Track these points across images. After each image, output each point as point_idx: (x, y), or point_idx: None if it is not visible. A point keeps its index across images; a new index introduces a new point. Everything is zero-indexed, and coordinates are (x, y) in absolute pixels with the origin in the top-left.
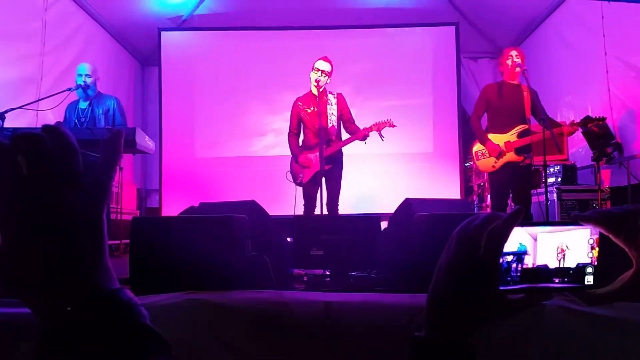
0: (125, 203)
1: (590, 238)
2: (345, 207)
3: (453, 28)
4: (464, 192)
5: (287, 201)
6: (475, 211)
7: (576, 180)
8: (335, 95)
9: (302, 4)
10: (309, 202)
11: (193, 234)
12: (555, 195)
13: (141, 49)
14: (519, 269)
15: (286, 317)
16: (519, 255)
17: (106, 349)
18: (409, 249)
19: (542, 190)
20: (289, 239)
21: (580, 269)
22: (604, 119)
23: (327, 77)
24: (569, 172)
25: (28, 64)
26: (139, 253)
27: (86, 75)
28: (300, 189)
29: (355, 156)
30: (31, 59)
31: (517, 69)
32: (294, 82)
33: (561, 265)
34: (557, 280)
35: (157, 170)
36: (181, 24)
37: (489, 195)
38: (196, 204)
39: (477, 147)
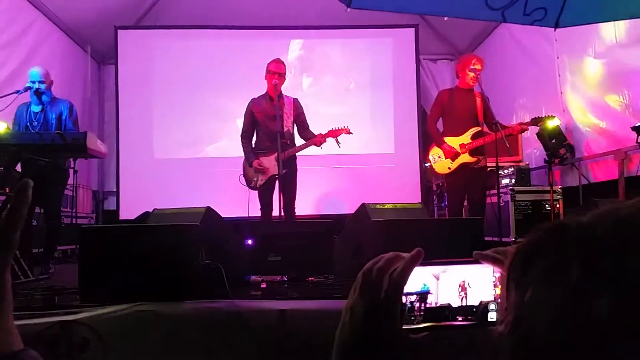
0: (80, 206)
1: (493, 276)
2: (306, 208)
3: (412, 30)
4: (423, 193)
5: (245, 203)
6: (435, 212)
7: (530, 182)
8: (292, 100)
9: (262, 3)
10: (266, 207)
11: (144, 243)
12: (509, 197)
13: (98, 47)
14: (423, 308)
15: (241, 327)
16: (422, 295)
17: None
18: (364, 254)
19: (496, 191)
20: (249, 241)
21: (484, 306)
22: (552, 117)
23: (282, 79)
24: (523, 174)
25: None
26: (89, 264)
27: (39, 81)
28: (253, 191)
29: (316, 157)
30: None
31: (473, 77)
32: (251, 82)
33: (463, 304)
34: (460, 319)
35: (114, 171)
36: (138, 22)
37: None
38: (155, 206)
39: (434, 150)
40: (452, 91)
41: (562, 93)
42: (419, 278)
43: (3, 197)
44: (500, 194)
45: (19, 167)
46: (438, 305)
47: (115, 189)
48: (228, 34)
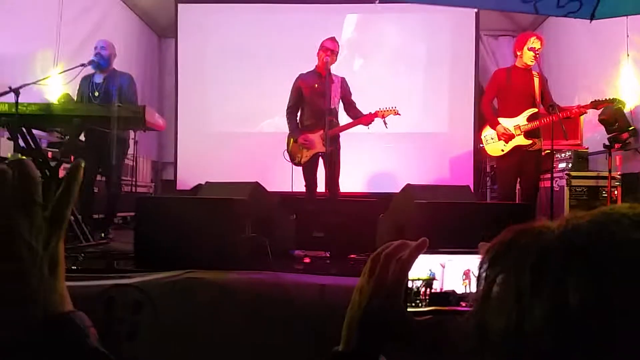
0: (140, 176)
1: None
2: (355, 185)
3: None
4: (476, 174)
5: (296, 177)
6: (488, 195)
7: (587, 167)
8: (340, 79)
9: None
10: (310, 183)
11: (195, 214)
12: (565, 182)
13: (159, 21)
14: (428, 293)
15: (281, 299)
16: (428, 281)
17: None
18: (406, 235)
19: (554, 176)
20: (293, 216)
21: None
22: (613, 101)
23: (334, 57)
24: (580, 158)
25: (45, 36)
26: (143, 231)
27: (101, 47)
28: (297, 168)
29: (366, 134)
30: (48, 31)
31: (532, 56)
32: (306, 59)
33: (467, 291)
34: (464, 304)
35: (173, 143)
36: None
37: None
38: (209, 177)
39: (487, 131)
40: (510, 70)
41: (630, 75)
42: (426, 265)
43: (68, 165)
44: (556, 179)
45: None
46: (443, 291)
47: (173, 160)
48: (286, 9)
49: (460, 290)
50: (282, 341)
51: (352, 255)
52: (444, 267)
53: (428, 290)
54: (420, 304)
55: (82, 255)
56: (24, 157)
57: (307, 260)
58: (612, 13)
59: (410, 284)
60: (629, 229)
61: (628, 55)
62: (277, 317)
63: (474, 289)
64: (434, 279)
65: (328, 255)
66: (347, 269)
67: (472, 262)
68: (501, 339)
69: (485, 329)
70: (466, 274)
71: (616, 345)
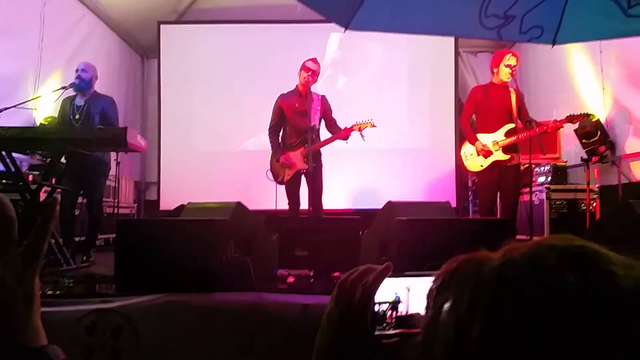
0: (123, 196)
1: None
2: (338, 202)
3: None
4: (459, 189)
5: (280, 195)
6: (470, 209)
7: (566, 180)
8: (320, 97)
9: None
10: (294, 201)
11: (176, 236)
12: (544, 195)
13: (141, 42)
14: (394, 316)
15: (264, 319)
16: (394, 304)
17: None
18: (389, 252)
19: (533, 189)
20: (275, 236)
21: None
22: (588, 115)
23: (315, 78)
24: (559, 172)
25: (26, 59)
26: (124, 254)
27: (82, 70)
28: (281, 186)
29: (349, 151)
30: (29, 53)
31: (508, 73)
32: (291, 78)
33: None
34: None
35: (156, 163)
36: (180, 17)
37: None
38: (193, 196)
39: (466, 147)
40: (487, 87)
41: (604, 88)
42: (392, 288)
43: (49, 188)
44: (536, 192)
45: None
46: (408, 314)
47: (156, 180)
48: (269, 28)
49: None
50: None
51: (335, 274)
52: (409, 290)
53: (394, 313)
54: (386, 327)
55: (70, 283)
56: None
57: (290, 279)
58: (573, 39)
59: (376, 308)
60: (554, 263)
61: (602, 70)
62: (260, 338)
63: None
64: (399, 302)
65: (312, 273)
66: (331, 287)
67: None
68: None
69: (432, 354)
70: None
71: None
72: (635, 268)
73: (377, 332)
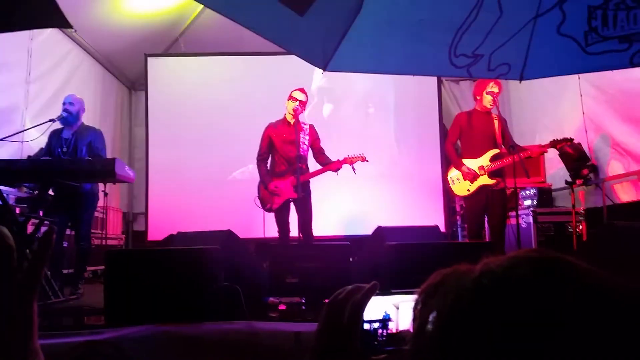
0: (110, 228)
1: None
2: (328, 229)
3: None
4: (447, 214)
5: (269, 223)
6: (459, 234)
7: (552, 203)
8: (309, 126)
9: None
10: (283, 229)
11: (166, 266)
12: (531, 218)
13: (129, 74)
14: (385, 334)
15: (257, 348)
16: (384, 322)
17: None
18: (380, 276)
19: (520, 213)
20: (265, 265)
21: None
22: (571, 140)
23: (303, 107)
24: (544, 195)
25: (13, 93)
26: (113, 286)
27: (69, 103)
28: (268, 214)
29: (337, 178)
30: (17, 87)
31: (490, 100)
32: (278, 108)
33: None
34: None
35: (144, 194)
36: (167, 50)
37: None
38: (182, 228)
39: (452, 172)
40: (470, 114)
41: (584, 113)
42: (381, 307)
43: (37, 220)
44: (522, 216)
45: (51, 192)
46: (398, 331)
47: (144, 211)
48: (255, 60)
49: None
50: None
51: (327, 300)
52: (398, 308)
53: (385, 331)
54: (378, 345)
55: (52, 312)
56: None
57: (282, 307)
58: (539, 75)
59: (367, 326)
60: (528, 272)
61: (581, 95)
62: None
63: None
64: (389, 320)
65: (303, 300)
66: None
67: None
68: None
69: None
70: None
71: None
72: (607, 280)
73: (368, 350)
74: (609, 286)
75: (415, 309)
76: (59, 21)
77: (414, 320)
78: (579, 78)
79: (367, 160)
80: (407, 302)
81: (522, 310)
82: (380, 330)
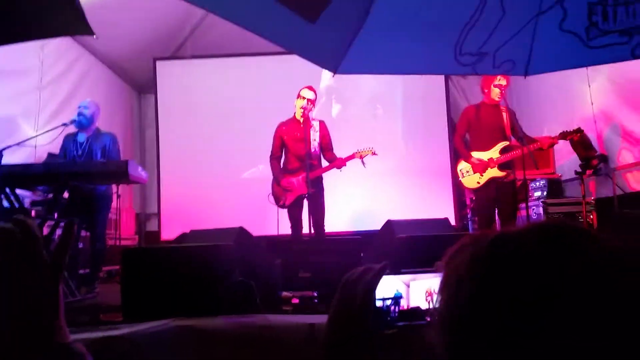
0: (123, 229)
1: None
2: (338, 225)
3: None
4: (457, 207)
5: (281, 221)
6: (470, 227)
7: (562, 193)
8: (318, 123)
9: None
10: (296, 224)
11: (181, 263)
12: (541, 209)
13: (138, 78)
14: (396, 310)
15: (271, 341)
16: (396, 300)
17: None
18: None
19: (530, 204)
20: (278, 261)
21: None
22: (580, 131)
23: (312, 105)
24: (554, 186)
25: (25, 99)
26: (130, 283)
27: (84, 107)
28: (282, 210)
29: (347, 174)
30: (29, 94)
31: (498, 93)
32: (288, 108)
33: (430, 306)
34: (428, 319)
35: (156, 194)
36: (175, 53)
37: None
38: (194, 227)
39: (462, 165)
40: (479, 107)
41: (592, 103)
42: (393, 286)
43: (52, 222)
44: (533, 207)
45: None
46: (409, 307)
47: (156, 211)
48: (263, 60)
49: (424, 307)
50: None
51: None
52: (408, 286)
53: (397, 308)
54: (390, 321)
55: (70, 311)
56: (25, 218)
57: (295, 300)
58: (543, 70)
59: (380, 303)
60: (537, 237)
61: (590, 85)
62: (268, 358)
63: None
64: (401, 297)
65: (315, 294)
66: None
67: (433, 281)
68: (455, 324)
69: (445, 320)
70: (428, 293)
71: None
72: (618, 252)
73: (380, 326)
74: (622, 257)
75: (438, 270)
76: (84, 28)
77: (440, 284)
78: (587, 69)
79: (376, 154)
80: (418, 281)
81: (525, 278)
82: (392, 307)
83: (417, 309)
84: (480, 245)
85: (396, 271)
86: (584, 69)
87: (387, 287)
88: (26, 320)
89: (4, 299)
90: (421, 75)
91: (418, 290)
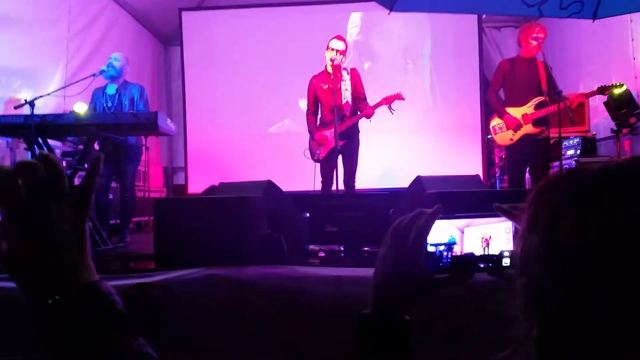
0: (152, 181)
1: (508, 228)
2: (367, 181)
3: None
4: (485, 165)
5: (305, 178)
6: (497, 186)
7: (596, 152)
8: (349, 72)
9: None
10: (326, 179)
11: (212, 213)
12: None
13: (163, 30)
14: (449, 256)
15: (298, 291)
16: (449, 246)
17: (87, 329)
18: None
19: (563, 162)
20: (307, 214)
21: (500, 254)
22: (620, 85)
23: (341, 56)
24: (589, 144)
25: (54, 49)
26: (162, 232)
27: (114, 59)
28: (309, 168)
29: (374, 130)
30: (57, 44)
31: (536, 46)
32: (314, 60)
33: (485, 253)
34: (482, 265)
35: (183, 148)
36: (201, 3)
37: None
38: (220, 181)
39: (495, 121)
40: (514, 60)
41: (634, 58)
42: (446, 231)
43: (83, 173)
44: (565, 165)
45: (96, 146)
46: (463, 253)
47: (183, 165)
48: (290, 11)
49: (478, 252)
50: (301, 331)
51: (365, 248)
52: (462, 232)
53: (450, 253)
54: (442, 266)
55: (102, 259)
56: (49, 153)
57: (321, 254)
58: (613, 12)
59: (433, 249)
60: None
61: (632, 39)
62: (295, 309)
63: (492, 252)
64: (454, 243)
65: (342, 248)
66: (361, 260)
67: (489, 227)
68: (541, 254)
69: (528, 251)
70: (486, 241)
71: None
72: None
73: (432, 271)
74: None
75: (527, 200)
76: None
77: (529, 224)
78: (630, 21)
79: (403, 99)
80: (472, 226)
81: (635, 206)
82: (445, 253)
83: (471, 255)
84: (585, 175)
85: (450, 215)
86: (628, 20)
87: (441, 232)
88: (50, 255)
89: (28, 232)
90: (483, 14)
91: (473, 236)
